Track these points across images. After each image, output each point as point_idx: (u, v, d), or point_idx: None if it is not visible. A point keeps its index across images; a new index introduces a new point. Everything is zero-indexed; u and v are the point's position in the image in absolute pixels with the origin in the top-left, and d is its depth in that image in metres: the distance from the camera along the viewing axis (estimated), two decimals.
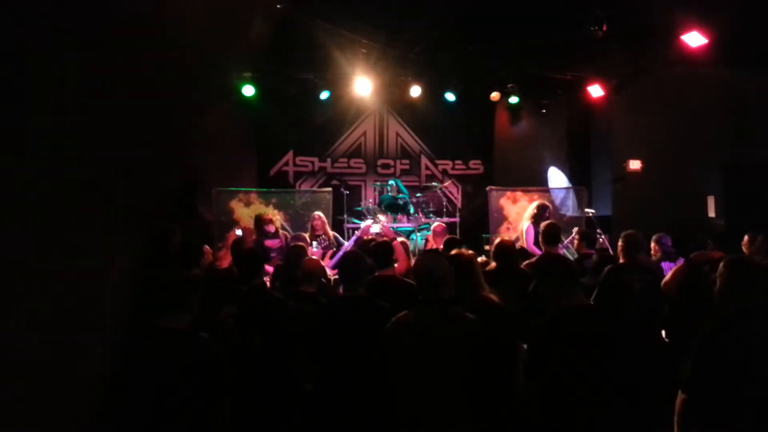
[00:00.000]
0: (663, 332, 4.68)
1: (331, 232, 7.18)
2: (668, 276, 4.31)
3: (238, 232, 7.61)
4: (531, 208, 7.35)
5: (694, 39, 7.55)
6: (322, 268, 4.68)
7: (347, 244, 6.73)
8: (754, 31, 7.33)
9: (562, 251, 6.33)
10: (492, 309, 3.32)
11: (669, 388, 2.82)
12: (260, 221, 7.01)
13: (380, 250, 4.44)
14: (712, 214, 9.27)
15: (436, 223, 7.08)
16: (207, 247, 5.42)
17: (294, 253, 4.88)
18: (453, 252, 3.58)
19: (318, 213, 7.23)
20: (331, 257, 6.43)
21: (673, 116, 9.53)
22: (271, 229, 6.97)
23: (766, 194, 8.17)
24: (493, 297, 3.44)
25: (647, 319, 4.47)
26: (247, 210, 9.07)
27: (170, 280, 2.95)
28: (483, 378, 2.88)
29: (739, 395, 2.60)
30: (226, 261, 7.09)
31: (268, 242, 6.78)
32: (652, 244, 5.86)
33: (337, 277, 5.25)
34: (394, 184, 9.82)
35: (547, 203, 7.75)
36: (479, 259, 4.12)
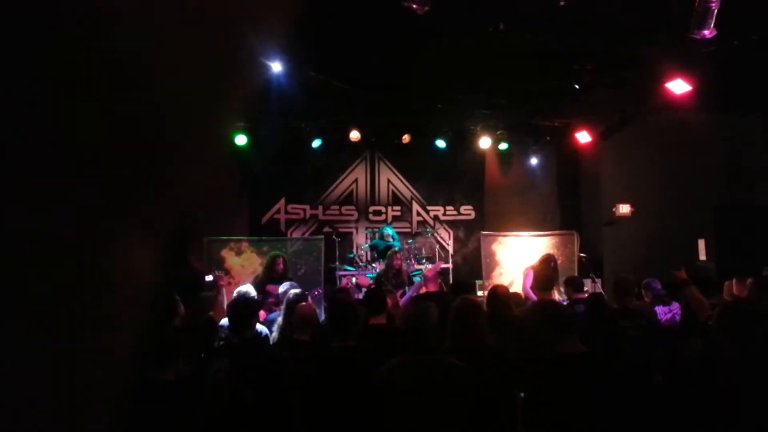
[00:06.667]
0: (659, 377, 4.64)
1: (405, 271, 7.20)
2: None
3: (209, 278, 7.42)
4: (537, 259, 7.40)
5: (679, 86, 7.71)
6: (316, 315, 4.62)
7: (412, 290, 6.62)
8: (736, 77, 7.51)
9: (558, 297, 6.32)
10: (492, 357, 3.29)
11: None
12: (270, 261, 6.93)
13: (372, 297, 4.40)
14: (702, 257, 9.30)
15: (427, 269, 7.04)
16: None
17: (293, 300, 4.83)
18: (461, 299, 3.57)
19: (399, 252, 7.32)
20: (401, 296, 6.27)
21: (661, 161, 9.68)
22: (280, 269, 6.84)
23: (755, 237, 8.23)
24: (492, 343, 3.41)
25: (644, 365, 4.42)
26: (238, 259, 9.02)
27: (158, 333, 2.94)
28: (478, 427, 2.84)
29: None
30: (219, 311, 6.97)
31: (271, 287, 6.52)
32: (642, 290, 5.87)
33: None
34: (388, 231, 9.74)
35: (553, 255, 7.76)
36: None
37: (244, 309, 4.05)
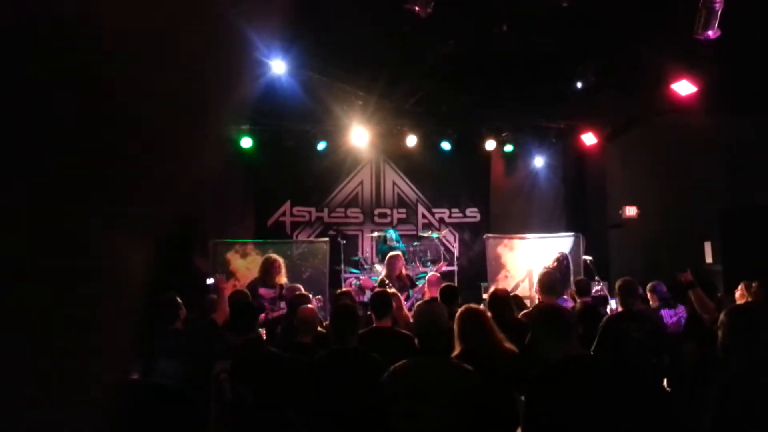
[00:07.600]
0: (665, 381, 4.61)
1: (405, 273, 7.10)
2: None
3: (210, 280, 7.31)
4: (552, 259, 7.47)
5: (684, 87, 7.68)
6: (317, 318, 4.63)
7: (417, 290, 6.59)
8: (742, 78, 7.47)
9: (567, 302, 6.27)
10: (505, 359, 3.30)
11: None
12: (268, 263, 6.58)
13: (378, 301, 4.40)
14: (709, 259, 9.24)
15: (430, 273, 7.04)
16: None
17: (296, 302, 4.84)
18: (464, 307, 3.58)
19: (399, 253, 7.20)
20: (406, 299, 6.15)
21: (667, 163, 9.61)
22: (277, 272, 6.47)
23: (763, 240, 8.16)
24: (510, 347, 3.42)
25: (648, 369, 4.39)
26: (243, 261, 9.04)
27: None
28: (481, 429, 2.84)
29: None
30: (221, 313, 6.92)
31: (263, 290, 6.34)
32: (648, 294, 5.83)
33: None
34: (391, 235, 9.74)
35: (566, 253, 7.77)
36: None
37: (246, 311, 4.07)
